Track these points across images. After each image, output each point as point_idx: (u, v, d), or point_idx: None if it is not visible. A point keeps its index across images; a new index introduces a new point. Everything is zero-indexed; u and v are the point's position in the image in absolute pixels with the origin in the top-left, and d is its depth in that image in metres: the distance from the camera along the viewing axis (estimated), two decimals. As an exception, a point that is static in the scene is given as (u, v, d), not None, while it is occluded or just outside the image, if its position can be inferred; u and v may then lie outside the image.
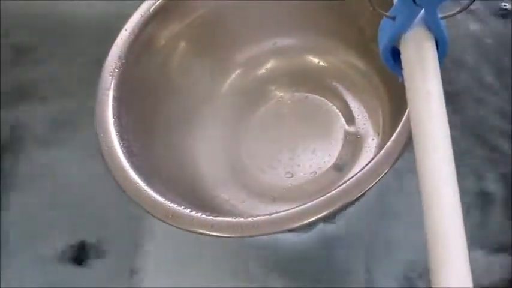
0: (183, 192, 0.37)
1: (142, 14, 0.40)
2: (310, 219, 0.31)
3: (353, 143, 0.41)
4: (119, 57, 0.39)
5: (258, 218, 0.31)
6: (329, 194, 0.31)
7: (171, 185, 0.37)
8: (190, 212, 0.33)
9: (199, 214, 0.32)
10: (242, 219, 0.32)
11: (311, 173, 0.41)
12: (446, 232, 0.23)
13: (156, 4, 0.40)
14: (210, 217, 0.32)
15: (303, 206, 0.31)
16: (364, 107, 0.42)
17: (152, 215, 0.33)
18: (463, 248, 0.23)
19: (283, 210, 0.31)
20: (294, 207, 0.31)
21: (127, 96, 0.38)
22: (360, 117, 0.42)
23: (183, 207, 0.33)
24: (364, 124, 0.42)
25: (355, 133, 0.41)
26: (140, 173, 0.35)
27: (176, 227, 0.33)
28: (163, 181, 0.36)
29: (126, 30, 0.39)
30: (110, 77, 0.38)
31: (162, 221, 0.33)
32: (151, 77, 0.40)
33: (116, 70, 0.38)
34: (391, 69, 0.31)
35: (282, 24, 0.44)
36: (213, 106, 0.44)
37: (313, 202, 0.31)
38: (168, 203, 0.33)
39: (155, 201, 0.33)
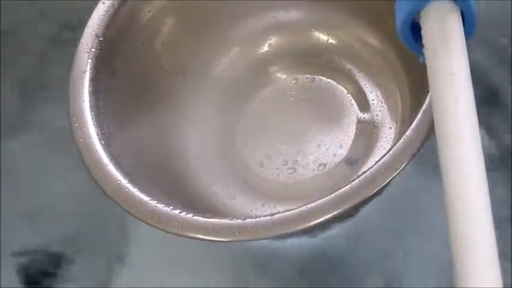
0: (169, 188, 0.36)
1: None
2: (318, 220, 0.29)
3: (368, 133, 0.40)
4: (96, 35, 0.37)
5: (258, 219, 0.30)
6: (339, 191, 0.29)
7: (156, 180, 0.35)
8: (180, 213, 0.31)
9: (190, 215, 0.31)
10: (240, 220, 0.30)
11: (318, 168, 0.39)
12: (474, 242, 0.22)
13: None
14: (203, 219, 0.31)
15: (309, 205, 0.29)
16: (380, 91, 0.41)
17: (137, 217, 0.32)
18: (494, 262, 0.21)
19: (286, 210, 0.30)
20: (298, 207, 0.29)
21: (106, 80, 0.37)
22: (375, 102, 0.40)
23: (171, 207, 0.31)
24: (381, 111, 0.40)
25: (370, 121, 0.40)
26: (121, 168, 0.33)
27: (164, 230, 0.31)
28: (147, 176, 0.35)
29: (103, 3, 0.38)
30: (86, 58, 0.36)
31: (148, 224, 0.31)
32: (134, 58, 0.39)
33: (93, 50, 0.37)
34: (410, 47, 0.29)
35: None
36: (205, 90, 0.42)
37: (321, 200, 0.29)
38: (154, 203, 0.31)
39: (140, 202, 0.32)
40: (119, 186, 0.32)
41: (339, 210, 0.29)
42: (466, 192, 0.23)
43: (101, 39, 0.37)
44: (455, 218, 0.22)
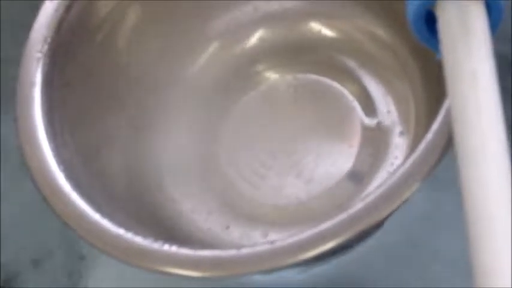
0: (141, 215, 0.37)
1: None
2: (320, 249, 0.30)
3: (374, 142, 0.40)
4: (45, 38, 0.38)
5: (257, 247, 0.30)
6: (342, 216, 0.30)
7: (122, 205, 0.36)
8: (163, 245, 0.31)
9: (173, 248, 0.31)
10: (235, 251, 0.31)
11: (316, 187, 0.40)
12: (499, 270, 0.22)
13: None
14: (187, 251, 0.31)
15: (311, 231, 0.30)
16: (389, 93, 0.41)
17: (108, 254, 0.32)
18: None
19: (281, 238, 0.30)
20: (299, 233, 0.30)
21: (60, 91, 0.38)
22: (383, 106, 0.41)
23: (150, 240, 0.32)
24: (390, 116, 0.41)
25: (377, 128, 0.41)
26: (84, 195, 0.34)
27: (140, 267, 0.32)
28: (115, 203, 0.36)
29: (51, 1, 0.39)
30: (35, 66, 0.37)
31: (120, 260, 0.32)
32: (91, 60, 0.40)
33: (43, 57, 0.38)
34: (425, 42, 0.30)
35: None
36: (179, 96, 0.43)
37: (324, 225, 0.30)
38: (127, 235, 0.32)
39: (109, 235, 0.32)
40: (82, 217, 0.33)
41: (343, 238, 0.29)
42: (493, 226, 0.23)
43: (49, 41, 0.38)
44: (480, 249, 0.23)
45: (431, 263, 0.39)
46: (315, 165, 0.41)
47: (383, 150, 0.40)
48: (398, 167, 0.30)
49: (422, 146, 0.30)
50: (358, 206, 0.30)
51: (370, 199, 0.30)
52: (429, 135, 0.30)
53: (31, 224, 0.45)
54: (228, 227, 0.40)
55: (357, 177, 0.40)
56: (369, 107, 0.41)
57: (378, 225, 0.30)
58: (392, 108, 0.41)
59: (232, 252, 0.30)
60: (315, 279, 0.40)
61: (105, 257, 0.33)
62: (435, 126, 0.31)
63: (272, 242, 0.30)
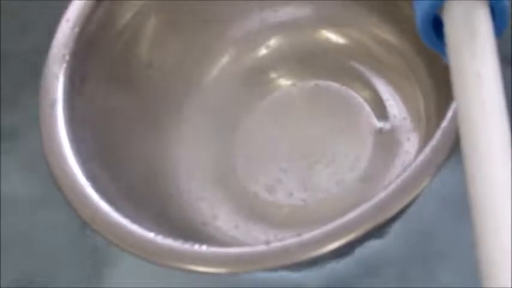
0: (158, 217, 0.37)
1: None
2: (346, 239, 0.31)
3: (386, 146, 0.41)
4: (63, 55, 0.39)
5: (286, 241, 0.31)
6: (365, 206, 0.31)
7: (142, 207, 0.37)
8: (183, 244, 0.32)
9: (203, 247, 0.32)
10: (264, 246, 0.31)
11: (330, 188, 0.41)
12: (504, 268, 0.23)
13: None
14: (217, 249, 0.32)
15: (336, 223, 0.31)
16: (399, 97, 0.42)
17: (142, 258, 0.33)
18: None
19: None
20: (315, 230, 0.31)
21: (81, 103, 0.39)
22: (394, 109, 0.42)
23: (181, 241, 0.33)
24: (401, 119, 0.41)
25: (389, 132, 0.41)
26: (111, 203, 0.35)
27: (173, 268, 0.33)
28: (133, 204, 0.37)
29: (68, 20, 0.40)
30: (55, 84, 0.38)
31: (144, 259, 0.33)
32: (110, 72, 0.41)
33: (63, 74, 0.39)
34: (433, 46, 0.30)
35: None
36: (196, 101, 0.44)
37: (348, 217, 0.31)
38: (157, 238, 0.33)
39: (141, 239, 0.33)
40: (109, 222, 0.34)
41: (355, 235, 0.30)
42: (499, 222, 0.23)
43: (68, 58, 0.39)
44: (486, 244, 0.23)
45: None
46: (329, 168, 0.41)
47: (394, 152, 0.41)
48: (410, 162, 0.31)
49: (431, 144, 0.31)
50: (379, 196, 0.31)
51: (388, 191, 0.31)
52: (438, 134, 0.31)
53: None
54: (237, 227, 0.41)
55: (369, 179, 0.40)
56: (381, 110, 0.42)
57: (396, 217, 0.31)
58: (403, 110, 0.42)
59: (261, 247, 0.31)
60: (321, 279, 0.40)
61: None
62: (444, 125, 0.32)
63: (300, 235, 0.31)
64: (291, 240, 0.31)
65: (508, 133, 0.25)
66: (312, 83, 0.44)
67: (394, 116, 0.42)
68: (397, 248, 0.40)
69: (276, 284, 0.40)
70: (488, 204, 0.24)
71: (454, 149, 0.31)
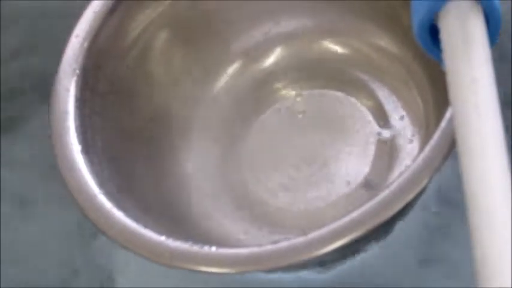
0: (173, 225, 0.38)
1: (95, 11, 0.41)
2: (351, 236, 0.31)
3: (388, 151, 0.42)
4: (73, 70, 0.40)
5: (292, 240, 0.32)
6: (369, 204, 0.32)
7: (153, 215, 0.37)
8: (193, 245, 0.33)
9: (212, 248, 0.33)
10: (271, 246, 0.32)
11: (334, 194, 0.41)
12: (499, 266, 0.23)
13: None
14: (226, 250, 0.33)
15: (341, 221, 0.32)
16: (400, 103, 0.43)
17: (146, 257, 0.34)
18: None
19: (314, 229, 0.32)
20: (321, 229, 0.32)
21: (92, 115, 0.39)
22: (395, 115, 0.42)
23: (190, 242, 0.33)
24: (402, 124, 0.42)
25: (391, 138, 0.42)
26: (119, 206, 0.36)
27: (184, 269, 0.33)
28: (143, 210, 0.37)
29: (77, 36, 0.41)
30: (66, 97, 0.39)
31: (159, 263, 0.34)
32: (121, 82, 0.42)
33: (73, 87, 0.39)
34: (430, 53, 0.31)
35: (287, 1, 0.45)
36: (203, 112, 0.45)
37: (353, 215, 0.32)
38: (168, 240, 0.34)
39: (149, 240, 0.34)
40: (127, 231, 0.35)
41: (361, 231, 0.31)
42: (491, 215, 0.24)
43: (78, 72, 0.40)
44: (480, 239, 0.24)
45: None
46: (333, 175, 0.42)
47: (396, 157, 0.41)
48: (398, 176, 0.32)
49: (431, 144, 0.32)
50: (381, 195, 0.32)
51: (390, 190, 0.32)
52: (435, 137, 0.32)
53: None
54: (246, 232, 0.41)
55: (371, 185, 0.41)
56: (382, 118, 0.43)
57: (398, 216, 0.32)
58: (404, 116, 0.42)
59: (269, 247, 0.32)
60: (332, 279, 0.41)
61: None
62: (442, 125, 0.32)
63: (306, 233, 0.32)
64: (297, 239, 0.32)
65: (501, 136, 0.26)
66: (315, 92, 0.45)
67: (395, 123, 0.42)
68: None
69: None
70: (483, 204, 0.25)
71: (452, 149, 0.32)
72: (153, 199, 0.40)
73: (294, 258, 0.32)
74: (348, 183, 0.42)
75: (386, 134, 0.42)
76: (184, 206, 0.42)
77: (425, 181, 0.31)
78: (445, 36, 0.29)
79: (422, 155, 0.32)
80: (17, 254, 0.46)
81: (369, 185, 0.41)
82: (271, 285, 0.41)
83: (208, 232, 0.41)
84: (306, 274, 0.41)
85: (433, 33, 0.30)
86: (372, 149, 0.42)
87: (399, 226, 0.40)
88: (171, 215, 0.40)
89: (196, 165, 0.44)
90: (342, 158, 0.42)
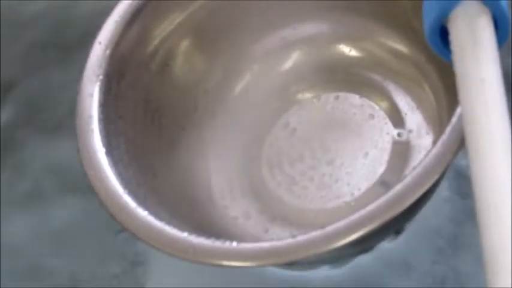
0: (198, 225, 0.39)
1: (117, 20, 0.42)
2: (367, 229, 0.32)
3: (404, 150, 0.42)
4: (97, 76, 0.41)
5: (311, 234, 0.33)
6: (384, 198, 0.33)
7: (176, 213, 0.39)
8: (215, 241, 0.34)
9: (233, 243, 0.34)
10: (291, 239, 0.33)
11: (351, 193, 0.42)
12: (507, 261, 0.24)
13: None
14: (246, 245, 0.34)
15: (357, 214, 0.32)
16: (415, 104, 0.44)
17: (170, 254, 0.35)
18: None
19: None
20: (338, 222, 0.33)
21: (116, 121, 0.41)
22: (410, 116, 0.43)
23: (213, 239, 0.34)
24: (417, 126, 0.43)
25: (406, 138, 0.43)
26: (146, 209, 0.36)
27: (207, 264, 0.34)
28: (168, 210, 0.39)
29: (99, 43, 0.42)
30: (90, 103, 0.40)
31: (183, 259, 0.35)
32: (144, 89, 0.43)
33: (97, 93, 0.41)
34: (442, 55, 0.32)
35: (304, 5, 0.46)
36: (224, 113, 0.46)
37: (368, 208, 0.33)
38: (191, 237, 0.35)
39: (173, 237, 0.35)
40: (151, 229, 0.36)
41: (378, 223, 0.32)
42: (499, 213, 0.25)
43: (103, 79, 0.41)
44: (488, 233, 0.25)
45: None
46: (349, 175, 0.43)
47: (411, 156, 0.42)
48: (424, 157, 0.33)
49: (443, 139, 0.33)
50: (395, 189, 0.33)
51: (403, 184, 0.33)
52: (447, 132, 0.33)
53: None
54: (267, 231, 0.42)
55: (388, 184, 0.42)
56: (398, 118, 0.43)
57: (413, 210, 0.33)
58: (419, 117, 0.43)
59: (288, 240, 0.33)
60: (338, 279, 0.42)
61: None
62: (453, 120, 0.33)
63: (323, 227, 0.33)
64: (315, 232, 0.33)
65: (509, 134, 0.27)
66: (332, 95, 0.46)
67: (410, 123, 0.43)
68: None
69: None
70: (492, 200, 0.26)
71: (463, 144, 0.32)
72: (175, 197, 0.41)
73: (312, 251, 0.32)
74: (365, 182, 0.43)
75: (401, 133, 0.43)
76: (206, 202, 0.43)
77: (436, 175, 0.32)
78: (454, 38, 0.30)
79: (434, 150, 0.33)
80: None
81: (385, 184, 0.42)
82: (290, 284, 0.42)
83: (228, 230, 0.42)
84: (323, 270, 0.43)
85: (443, 35, 0.31)
86: (388, 149, 0.43)
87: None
88: (192, 212, 0.41)
89: (217, 164, 0.45)
90: (358, 158, 0.43)
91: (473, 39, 0.29)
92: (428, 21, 0.31)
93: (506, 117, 0.27)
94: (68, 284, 0.46)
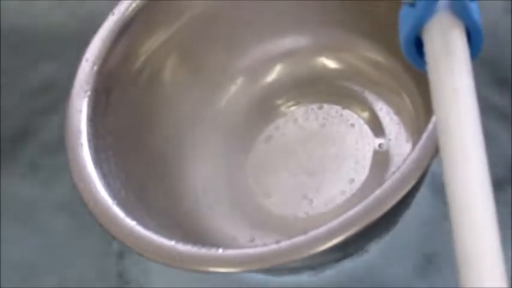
0: (183, 235, 0.39)
1: (104, 37, 0.43)
2: (349, 233, 0.33)
3: (384, 158, 0.44)
4: (85, 92, 0.42)
5: (294, 239, 0.34)
6: (364, 203, 0.34)
7: (164, 223, 0.39)
8: (201, 248, 0.35)
9: (219, 250, 0.35)
10: (275, 245, 0.34)
11: (333, 201, 0.43)
12: (480, 265, 0.25)
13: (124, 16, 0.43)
14: (232, 251, 0.35)
15: (339, 220, 0.33)
16: (394, 113, 0.45)
17: (158, 261, 0.36)
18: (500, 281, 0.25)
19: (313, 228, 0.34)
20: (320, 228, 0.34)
21: (105, 136, 0.41)
22: (390, 125, 0.45)
23: (199, 246, 0.35)
24: (396, 135, 0.44)
25: (386, 146, 0.44)
26: (134, 217, 0.37)
27: (194, 271, 0.35)
28: (156, 220, 0.39)
29: (87, 60, 0.43)
30: (79, 118, 0.41)
31: (171, 266, 0.35)
32: (132, 104, 0.44)
33: (85, 109, 0.41)
34: (416, 64, 0.32)
35: (286, 19, 0.47)
36: (209, 127, 0.47)
37: (350, 213, 0.33)
38: (178, 244, 0.36)
39: (160, 245, 0.36)
40: (139, 238, 0.36)
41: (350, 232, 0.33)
42: (472, 216, 0.26)
43: (91, 95, 0.42)
44: (461, 236, 0.26)
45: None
46: (332, 183, 0.44)
47: (391, 165, 0.43)
48: (402, 162, 0.34)
49: (420, 144, 0.34)
50: (375, 194, 0.34)
51: (382, 190, 0.34)
52: (423, 138, 0.34)
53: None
54: (253, 240, 0.43)
55: (368, 191, 0.39)
56: (378, 127, 0.45)
57: (392, 213, 0.33)
58: (398, 126, 0.44)
59: (272, 246, 0.34)
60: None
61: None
62: (429, 127, 0.34)
63: (306, 232, 0.34)
64: (298, 238, 0.33)
65: (481, 141, 0.28)
66: (314, 106, 0.47)
67: (390, 132, 0.44)
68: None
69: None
70: (464, 205, 0.26)
71: (435, 155, 0.33)
72: (163, 207, 0.42)
73: (295, 256, 0.33)
74: (346, 190, 0.43)
75: (382, 143, 0.44)
76: (192, 211, 0.44)
77: (414, 180, 0.33)
78: (428, 49, 0.31)
79: (411, 156, 0.34)
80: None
81: (365, 190, 0.43)
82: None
83: (215, 237, 0.43)
84: (306, 276, 0.43)
85: (419, 46, 0.32)
86: (369, 157, 0.44)
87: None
88: (180, 221, 0.42)
89: (204, 175, 0.46)
90: (340, 167, 0.44)
91: (446, 50, 0.30)
92: (403, 32, 0.32)
93: (478, 125, 0.28)
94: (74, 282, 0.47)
